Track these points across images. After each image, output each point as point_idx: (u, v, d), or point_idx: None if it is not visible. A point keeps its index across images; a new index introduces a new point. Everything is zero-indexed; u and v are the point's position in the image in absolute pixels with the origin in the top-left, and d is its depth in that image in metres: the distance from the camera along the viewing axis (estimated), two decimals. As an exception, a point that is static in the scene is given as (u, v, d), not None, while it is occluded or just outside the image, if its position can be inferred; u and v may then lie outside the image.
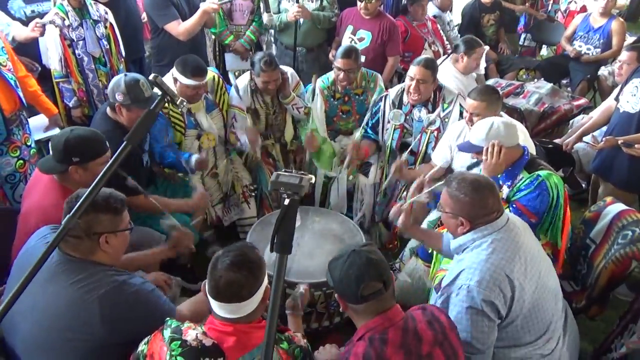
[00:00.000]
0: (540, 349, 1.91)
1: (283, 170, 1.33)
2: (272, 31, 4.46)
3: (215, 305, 1.53)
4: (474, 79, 4.06)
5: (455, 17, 5.61)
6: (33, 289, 1.67)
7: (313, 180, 1.31)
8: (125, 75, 2.56)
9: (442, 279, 2.05)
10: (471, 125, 2.78)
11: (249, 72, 3.39)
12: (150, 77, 1.61)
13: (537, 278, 1.89)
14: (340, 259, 1.63)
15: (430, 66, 3.11)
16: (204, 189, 3.07)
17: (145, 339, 1.56)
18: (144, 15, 4.16)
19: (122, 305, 1.65)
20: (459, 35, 5.37)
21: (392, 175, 3.15)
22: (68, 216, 1.38)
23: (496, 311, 1.80)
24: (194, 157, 2.98)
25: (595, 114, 3.77)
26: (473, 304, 1.77)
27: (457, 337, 1.68)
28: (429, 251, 2.75)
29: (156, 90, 2.88)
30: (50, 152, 2.21)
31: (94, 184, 1.42)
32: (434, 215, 2.91)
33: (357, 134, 3.38)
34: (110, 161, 1.45)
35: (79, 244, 1.70)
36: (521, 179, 2.39)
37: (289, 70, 3.43)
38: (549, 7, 6.34)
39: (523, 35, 6.25)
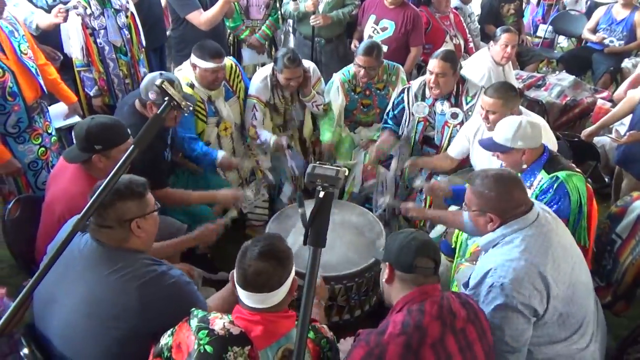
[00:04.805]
0: (576, 344, 1.89)
1: (317, 162, 1.31)
2: (290, 21, 4.43)
3: (243, 294, 1.54)
4: (511, 69, 4.00)
5: (474, 8, 5.53)
6: (70, 277, 1.70)
7: (347, 173, 1.30)
8: (161, 74, 2.54)
9: (469, 274, 2.02)
10: (487, 123, 2.74)
11: (269, 65, 3.36)
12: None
13: (570, 273, 1.87)
14: (403, 233, 1.75)
15: (449, 59, 3.05)
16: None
17: (169, 332, 1.56)
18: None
19: (161, 294, 1.67)
20: (479, 27, 5.32)
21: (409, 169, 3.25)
22: (77, 218, 1.39)
23: (532, 309, 1.78)
24: (221, 153, 3.03)
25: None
26: (508, 301, 1.76)
27: (486, 320, 1.73)
28: (452, 245, 2.73)
29: (188, 91, 2.91)
30: (74, 141, 2.22)
31: (100, 189, 1.42)
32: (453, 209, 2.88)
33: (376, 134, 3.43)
34: (116, 167, 1.47)
35: (112, 234, 1.72)
36: (540, 180, 2.34)
37: (310, 66, 3.39)
38: None
39: (541, 27, 6.13)
